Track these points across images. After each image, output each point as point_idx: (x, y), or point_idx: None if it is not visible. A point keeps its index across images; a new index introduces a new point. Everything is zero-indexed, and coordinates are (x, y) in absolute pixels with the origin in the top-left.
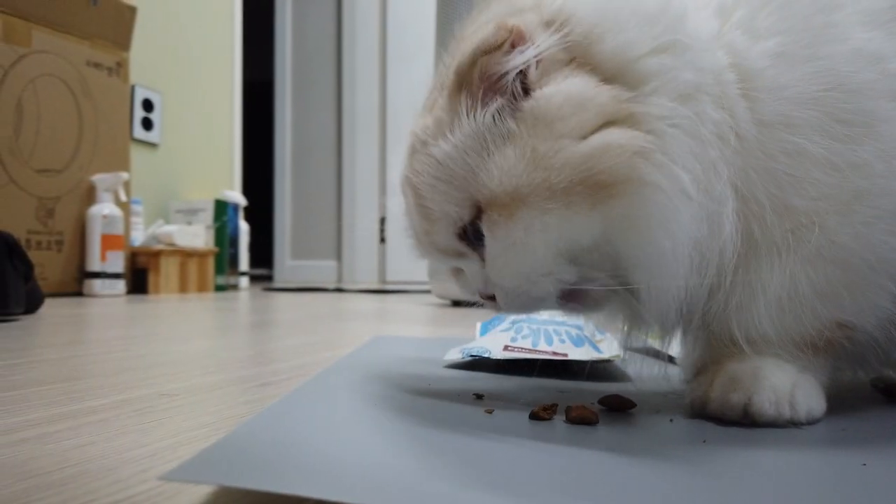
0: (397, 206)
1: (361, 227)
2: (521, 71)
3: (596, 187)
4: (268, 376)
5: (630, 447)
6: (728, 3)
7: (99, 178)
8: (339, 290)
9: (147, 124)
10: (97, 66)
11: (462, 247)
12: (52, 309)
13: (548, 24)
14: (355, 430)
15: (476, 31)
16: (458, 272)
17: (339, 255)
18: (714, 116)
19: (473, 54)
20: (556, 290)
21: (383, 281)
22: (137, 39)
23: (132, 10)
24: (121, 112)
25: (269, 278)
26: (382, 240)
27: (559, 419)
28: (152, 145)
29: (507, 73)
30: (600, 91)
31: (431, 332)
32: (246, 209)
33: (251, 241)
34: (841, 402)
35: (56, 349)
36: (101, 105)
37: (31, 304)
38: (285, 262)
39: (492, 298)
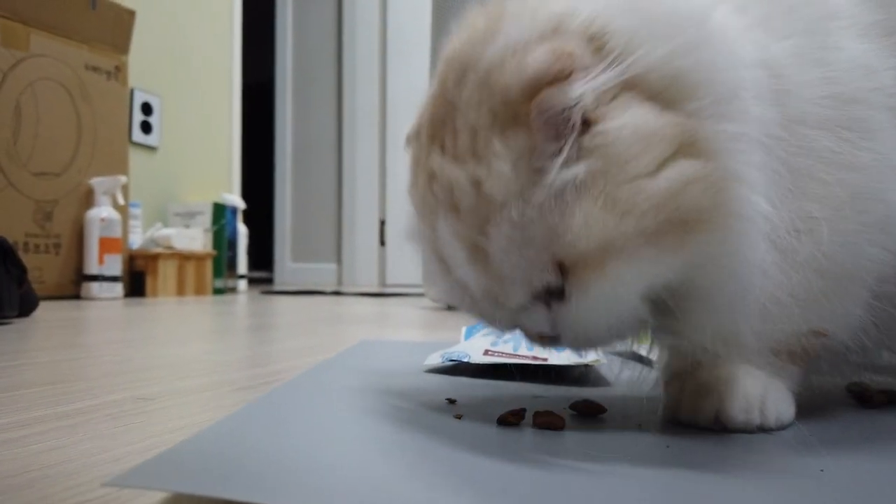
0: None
1: (361, 229)
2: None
3: (681, 224)
4: (247, 381)
5: (592, 452)
6: (741, 1)
7: (97, 182)
8: (338, 293)
9: (146, 128)
10: (96, 69)
11: (533, 302)
12: (47, 312)
13: (590, 40)
14: (315, 435)
15: (510, 57)
16: (487, 314)
17: (339, 258)
18: (755, 113)
19: (530, 86)
20: (634, 333)
21: (383, 284)
22: (136, 43)
23: (131, 14)
24: (119, 115)
25: (270, 281)
26: (382, 243)
27: (527, 424)
28: (151, 148)
29: (572, 106)
30: (664, 121)
31: (426, 336)
32: (246, 212)
33: (251, 243)
34: (814, 407)
35: (46, 353)
36: (100, 108)
37: (25, 307)
38: (285, 265)
39: (553, 338)
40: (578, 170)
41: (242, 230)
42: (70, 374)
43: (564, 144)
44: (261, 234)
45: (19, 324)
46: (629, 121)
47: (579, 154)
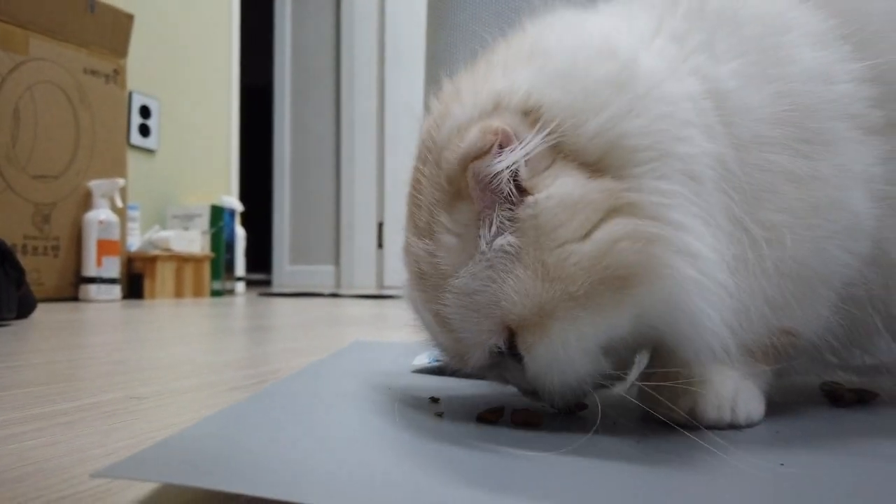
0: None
1: (359, 232)
2: (512, 172)
3: (617, 282)
4: (241, 381)
5: (566, 447)
6: (680, 29)
7: (95, 184)
8: (335, 295)
9: (144, 130)
10: (94, 73)
11: (499, 359)
12: (45, 314)
13: (526, 114)
14: (301, 430)
15: (454, 136)
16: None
17: (337, 260)
18: (706, 147)
19: (462, 161)
20: (597, 380)
21: (381, 286)
22: (135, 46)
23: (129, 18)
24: (118, 118)
25: (268, 283)
26: (380, 245)
27: (506, 422)
28: (150, 151)
29: (499, 173)
30: (591, 188)
31: (418, 337)
32: (245, 214)
33: (250, 246)
34: (787, 405)
35: (42, 354)
36: (98, 112)
37: (24, 309)
38: (284, 267)
39: (534, 393)
40: (509, 239)
41: (240, 232)
42: (66, 375)
43: (494, 215)
44: (259, 236)
45: (17, 325)
46: (556, 190)
47: (513, 224)
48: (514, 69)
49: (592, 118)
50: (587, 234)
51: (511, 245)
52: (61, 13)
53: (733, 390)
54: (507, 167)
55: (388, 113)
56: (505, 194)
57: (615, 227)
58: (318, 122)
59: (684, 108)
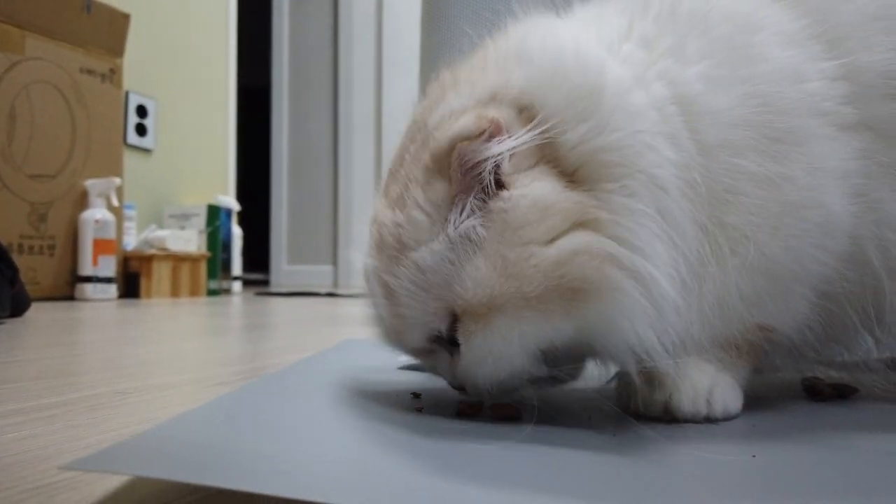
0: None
1: (357, 231)
2: (495, 163)
3: (569, 292)
4: (228, 376)
5: (543, 440)
6: (650, 32)
7: (91, 184)
8: (332, 294)
9: (141, 130)
10: (90, 72)
11: (434, 346)
12: (40, 313)
13: (521, 111)
14: (277, 426)
15: (447, 119)
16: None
17: (335, 260)
18: (671, 157)
19: (452, 140)
20: (526, 383)
21: None
22: (132, 45)
23: (126, 18)
24: (114, 118)
25: (266, 283)
26: None
27: (484, 416)
28: (146, 151)
29: (485, 160)
30: (565, 197)
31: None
32: (243, 214)
33: (248, 245)
34: (766, 400)
35: (33, 351)
36: (95, 111)
37: (18, 307)
38: (282, 267)
39: (461, 388)
40: (476, 227)
41: (237, 232)
42: (54, 371)
43: (468, 200)
44: (258, 236)
45: (11, 324)
46: (531, 192)
47: (483, 214)
48: (507, 68)
49: (574, 128)
50: (552, 240)
51: (477, 233)
52: (58, 13)
53: (709, 383)
54: (493, 156)
55: (386, 112)
56: (483, 183)
57: (579, 239)
58: (316, 122)
59: (650, 118)
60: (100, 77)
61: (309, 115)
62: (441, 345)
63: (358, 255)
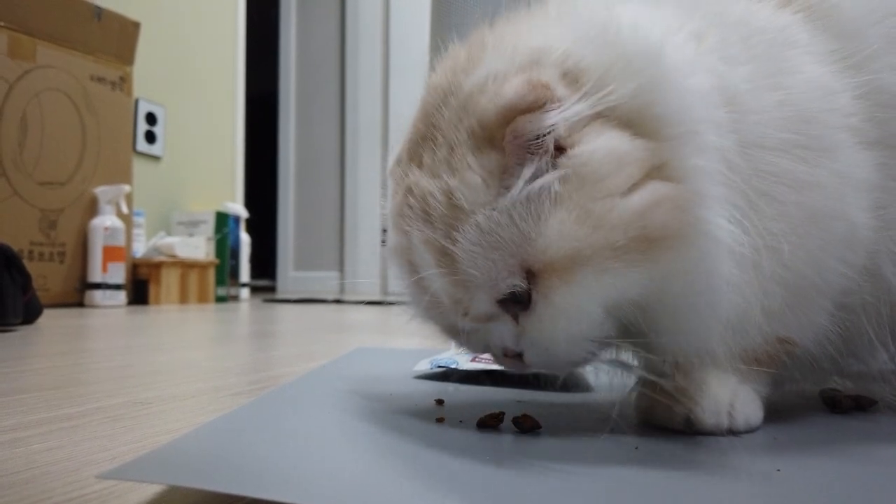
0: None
1: (363, 238)
2: (554, 130)
3: (649, 241)
4: (244, 386)
5: (565, 453)
6: (698, 28)
7: (101, 191)
8: (339, 301)
9: (150, 137)
10: (101, 80)
11: (499, 311)
12: (51, 320)
13: (565, 74)
14: (302, 434)
15: (489, 83)
16: (457, 330)
17: (341, 267)
18: (713, 142)
19: (507, 112)
20: (595, 353)
21: (385, 292)
22: (141, 53)
23: (136, 26)
24: (124, 125)
25: (273, 289)
26: None
27: (506, 427)
28: (155, 158)
29: (545, 134)
30: (636, 145)
31: (424, 344)
32: (250, 220)
33: (254, 252)
34: (785, 412)
35: (47, 359)
36: (105, 119)
37: (30, 315)
38: (288, 273)
39: (517, 356)
40: (552, 179)
41: (245, 239)
42: (71, 379)
43: (538, 161)
44: (264, 242)
45: (23, 331)
46: (603, 144)
47: (556, 171)
48: (546, 30)
49: (627, 83)
50: (630, 190)
51: (554, 187)
52: (68, 21)
53: (730, 395)
54: (553, 126)
55: (393, 120)
56: (545, 150)
57: (658, 189)
58: (323, 129)
59: (705, 92)
60: (110, 85)
61: (316, 122)
62: (507, 309)
63: (362, 256)
